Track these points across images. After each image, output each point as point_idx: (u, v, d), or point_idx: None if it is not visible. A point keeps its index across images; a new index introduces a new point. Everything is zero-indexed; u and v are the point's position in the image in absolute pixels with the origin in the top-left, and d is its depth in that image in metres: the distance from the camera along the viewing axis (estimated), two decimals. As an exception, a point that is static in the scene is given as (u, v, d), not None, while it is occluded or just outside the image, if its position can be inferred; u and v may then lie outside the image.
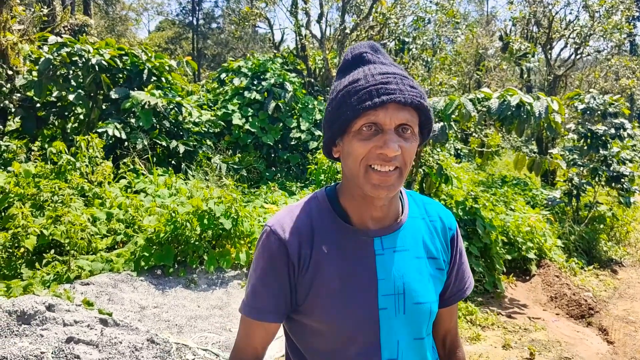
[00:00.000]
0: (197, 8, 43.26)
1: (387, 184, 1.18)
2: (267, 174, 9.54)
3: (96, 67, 7.72)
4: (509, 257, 7.10)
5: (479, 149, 8.49)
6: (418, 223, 1.37)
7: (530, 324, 5.68)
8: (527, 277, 7.20)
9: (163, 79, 8.81)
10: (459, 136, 13.96)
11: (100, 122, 7.85)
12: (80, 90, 7.89)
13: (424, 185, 7.34)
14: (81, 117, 8.51)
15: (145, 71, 8.42)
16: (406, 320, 1.27)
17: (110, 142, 7.60)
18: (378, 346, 1.25)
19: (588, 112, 9.47)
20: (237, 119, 9.81)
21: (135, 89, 8.29)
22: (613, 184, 9.29)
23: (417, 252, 1.33)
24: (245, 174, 8.87)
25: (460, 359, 1.51)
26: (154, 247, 5.66)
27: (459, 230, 1.45)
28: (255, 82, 10.68)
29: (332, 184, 1.39)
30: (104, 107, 8.24)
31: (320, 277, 1.24)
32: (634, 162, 9.88)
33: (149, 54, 8.58)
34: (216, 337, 4.74)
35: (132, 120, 7.99)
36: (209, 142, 9.01)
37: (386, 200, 1.27)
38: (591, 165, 9.21)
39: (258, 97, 10.25)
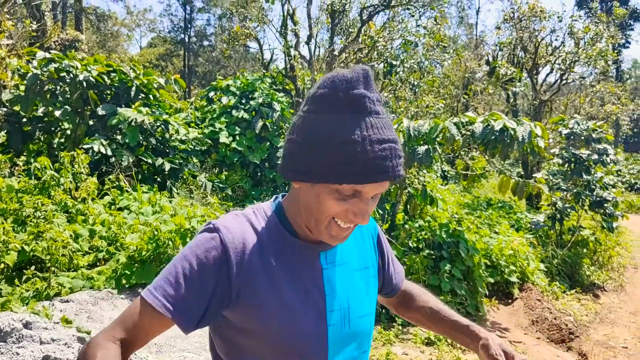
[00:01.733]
0: (189, 26, 43.54)
1: (342, 237, 1.18)
2: (253, 192, 9.55)
3: (84, 83, 7.72)
4: (492, 280, 7.13)
5: (464, 172, 8.56)
6: (350, 235, 1.34)
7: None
8: (510, 301, 7.23)
9: (151, 96, 8.83)
10: (447, 158, 14.07)
11: (86, 138, 7.85)
12: (67, 106, 7.88)
13: (408, 207, 7.38)
14: (68, 132, 8.49)
15: (133, 88, 8.43)
16: (351, 334, 1.26)
17: (96, 158, 7.58)
18: None
19: (572, 137, 9.59)
20: (224, 137, 9.83)
21: (123, 105, 8.29)
22: (596, 209, 9.39)
23: (354, 265, 1.33)
24: (230, 193, 8.87)
25: (412, 287, 1.61)
26: (136, 264, 5.63)
27: (379, 227, 1.48)
28: (243, 101, 10.73)
29: (279, 196, 1.34)
30: (90, 123, 8.23)
31: (268, 292, 1.17)
32: (617, 187, 10.00)
33: (138, 71, 8.60)
34: (195, 357, 4.71)
35: (119, 137, 7.98)
36: (195, 160, 9.01)
37: None
38: (575, 190, 9.31)
39: (246, 116, 10.29)
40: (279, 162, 1.26)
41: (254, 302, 1.16)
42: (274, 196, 1.33)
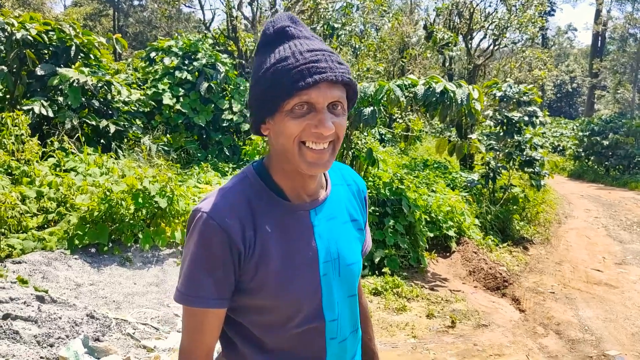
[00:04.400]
0: (119, -16, 41.68)
1: (322, 162, 1.22)
2: (198, 154, 9.56)
3: (21, 42, 7.47)
4: (432, 235, 7.55)
5: (405, 133, 8.89)
6: (339, 190, 1.45)
7: (451, 295, 6.12)
8: (448, 254, 7.68)
9: (91, 56, 8.61)
10: (384, 122, 14.42)
11: (25, 100, 7.63)
12: (3, 66, 7.62)
13: (353, 167, 7.64)
14: (2, 93, 8.22)
15: (73, 47, 8.20)
16: (341, 281, 1.36)
17: (36, 120, 7.40)
18: (321, 310, 1.31)
19: (504, 99, 10.08)
20: (167, 99, 9.73)
21: (62, 65, 8.06)
22: (526, 168, 9.98)
23: (343, 218, 1.42)
24: (175, 156, 8.86)
25: (365, 305, 1.68)
26: (88, 225, 5.64)
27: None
28: (186, 62, 10.60)
29: (257, 160, 1.37)
30: (28, 83, 7.98)
31: (266, 258, 1.24)
32: (544, 147, 10.63)
33: (77, 30, 8.35)
34: (154, 312, 4.84)
35: (60, 98, 7.80)
36: (139, 122, 8.91)
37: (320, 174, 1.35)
38: (506, 150, 9.85)
39: (189, 77, 10.19)
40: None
41: (253, 270, 1.24)
42: (253, 160, 1.38)
